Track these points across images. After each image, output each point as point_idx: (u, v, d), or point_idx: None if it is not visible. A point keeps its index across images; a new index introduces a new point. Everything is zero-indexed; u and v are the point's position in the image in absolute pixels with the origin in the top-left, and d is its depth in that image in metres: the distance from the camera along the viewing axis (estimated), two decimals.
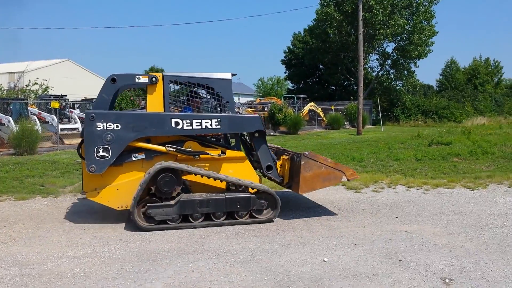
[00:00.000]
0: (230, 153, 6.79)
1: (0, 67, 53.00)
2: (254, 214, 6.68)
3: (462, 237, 6.00)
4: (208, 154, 6.68)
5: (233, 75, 7.01)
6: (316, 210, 7.52)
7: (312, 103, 34.89)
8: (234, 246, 5.60)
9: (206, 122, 6.50)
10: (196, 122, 6.46)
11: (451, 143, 15.77)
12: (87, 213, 7.35)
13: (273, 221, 6.76)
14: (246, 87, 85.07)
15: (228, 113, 6.79)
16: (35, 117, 20.10)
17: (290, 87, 58.40)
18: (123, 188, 6.41)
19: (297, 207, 7.68)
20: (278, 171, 7.25)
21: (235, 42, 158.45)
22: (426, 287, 4.37)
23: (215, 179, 6.55)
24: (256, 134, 6.95)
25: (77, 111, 24.81)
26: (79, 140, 18.80)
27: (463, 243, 5.71)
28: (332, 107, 36.84)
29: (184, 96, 6.92)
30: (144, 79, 6.57)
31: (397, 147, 16.14)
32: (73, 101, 26.95)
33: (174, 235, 6.08)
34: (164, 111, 6.54)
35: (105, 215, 7.13)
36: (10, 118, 18.58)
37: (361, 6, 28.02)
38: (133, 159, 6.46)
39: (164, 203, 6.30)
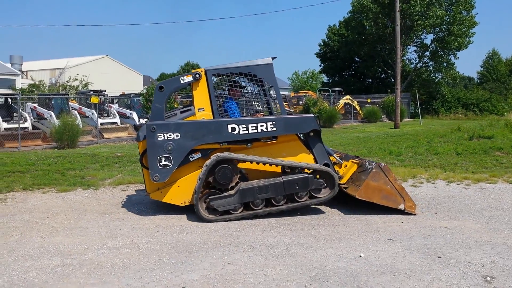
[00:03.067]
0: (281, 136, 6.86)
1: (41, 63, 54.85)
2: (313, 193, 6.72)
3: (505, 233, 5.79)
4: (259, 141, 6.79)
5: (273, 58, 7.03)
6: (352, 204, 7.41)
7: (347, 96, 34.46)
8: (269, 240, 5.61)
9: (261, 126, 6.62)
10: (252, 126, 6.59)
11: (493, 137, 15.22)
12: (126, 205, 7.52)
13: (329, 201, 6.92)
14: (280, 81, 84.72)
15: (275, 102, 7.02)
16: (76, 112, 20.74)
17: (325, 81, 57.83)
18: (183, 185, 6.68)
19: (333, 202, 7.60)
20: (341, 171, 7.32)
21: (269, 36, 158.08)
22: (466, 285, 4.25)
23: (270, 165, 6.69)
24: (311, 134, 6.96)
25: (115, 106, 25.41)
26: (118, 134, 19.32)
27: (505, 240, 5.51)
28: (369, 100, 36.24)
29: (228, 87, 7.04)
30: (189, 78, 6.80)
31: (436, 141, 15.73)
32: (112, 96, 27.58)
33: (210, 227, 6.15)
34: (211, 105, 6.76)
35: (143, 207, 7.28)
36: (52, 113, 19.25)
37: None
38: (191, 160, 6.70)
39: (225, 194, 6.46)
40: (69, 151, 14.59)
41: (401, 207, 6.76)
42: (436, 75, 43.97)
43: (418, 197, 7.92)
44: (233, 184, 6.55)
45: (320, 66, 54.50)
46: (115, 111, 23.43)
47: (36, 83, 39.22)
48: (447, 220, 6.50)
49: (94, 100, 20.25)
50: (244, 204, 6.56)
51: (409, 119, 36.74)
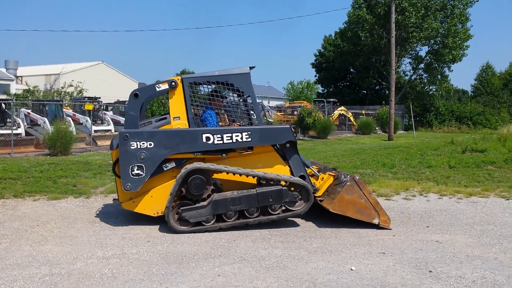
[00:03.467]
0: (256, 147, 6.81)
1: (37, 69, 54.73)
2: (287, 206, 6.63)
3: (496, 248, 5.80)
4: (234, 151, 6.75)
5: (251, 68, 6.97)
6: (344, 217, 7.40)
7: (342, 107, 34.63)
8: (260, 252, 5.58)
9: (236, 136, 6.55)
10: (227, 136, 6.52)
11: (486, 151, 15.32)
12: (117, 214, 7.47)
13: (300, 215, 6.79)
14: (275, 91, 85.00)
15: (252, 110, 6.92)
16: (70, 119, 20.67)
17: (320, 91, 58.08)
18: (157, 195, 6.56)
19: (325, 214, 7.58)
20: (317, 183, 7.26)
21: (265, 46, 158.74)
22: None
23: (240, 175, 6.60)
24: (288, 145, 6.91)
25: (110, 113, 25.35)
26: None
27: (496, 255, 5.51)
28: (363, 112, 36.40)
29: (205, 96, 6.98)
30: (164, 86, 6.70)
31: (429, 154, 15.79)
32: (106, 103, 27.55)
33: (201, 238, 6.11)
34: (187, 114, 6.65)
35: (134, 217, 7.23)
36: (46, 119, 19.16)
37: (393, 8, 27.62)
38: (165, 169, 6.58)
39: (197, 205, 6.35)
40: (61, 158, 14.51)
41: (375, 221, 6.71)
42: (430, 87, 44.31)
43: (410, 210, 7.92)
44: (206, 195, 6.42)
45: (316, 76, 54.77)
46: (109, 119, 23.38)
47: (31, 88, 39.08)
48: (438, 234, 6.50)
49: (89, 107, 20.19)
50: (217, 215, 6.43)
51: (403, 131, 36.93)
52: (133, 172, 6.37)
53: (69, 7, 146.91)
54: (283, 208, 6.64)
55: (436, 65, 41.87)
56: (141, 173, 6.39)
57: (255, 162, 6.84)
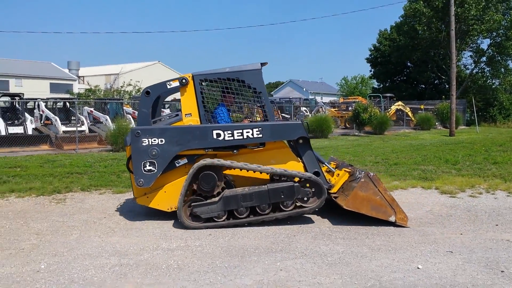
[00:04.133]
0: (269, 143, 6.73)
1: (97, 69, 57.12)
2: (300, 203, 6.51)
3: None
4: (246, 147, 6.71)
5: (262, 64, 6.89)
6: (407, 214, 7.19)
7: (399, 102, 33.63)
8: (322, 248, 5.52)
9: (247, 132, 6.50)
10: (238, 133, 6.48)
11: None
12: None
13: (316, 210, 6.65)
14: (328, 87, 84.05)
15: (264, 107, 6.78)
16: (130, 116, 21.44)
17: (375, 86, 56.76)
18: (170, 191, 6.63)
19: None
20: (333, 180, 7.10)
21: (317, 41, 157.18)
22: None
23: (247, 171, 6.51)
24: (301, 141, 6.82)
25: (167, 110, 26.04)
26: None
27: None
28: (422, 107, 35.20)
29: (217, 93, 6.96)
30: (175, 83, 6.71)
31: (495, 150, 15.03)
32: (165, 101, 28.28)
33: (261, 232, 6.13)
34: (198, 111, 6.65)
35: None
36: (108, 117, 19.99)
37: (452, 0, 26.41)
38: (177, 165, 6.66)
39: (208, 201, 6.36)
40: (123, 154, 15.05)
41: (392, 219, 6.46)
42: (493, 81, 42.15)
43: (477, 208, 7.57)
44: (217, 191, 6.41)
45: (371, 71, 53.59)
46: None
47: (92, 88, 40.90)
48: (509, 232, 6.16)
49: None
50: (228, 211, 6.39)
51: (464, 127, 35.35)
52: (145, 168, 6.48)
53: (128, 10, 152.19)
54: (296, 204, 6.52)
55: (499, 58, 39.77)
56: (153, 169, 6.49)
57: (268, 158, 6.78)
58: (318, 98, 53.49)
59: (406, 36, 43.16)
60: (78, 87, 46.57)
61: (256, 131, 6.50)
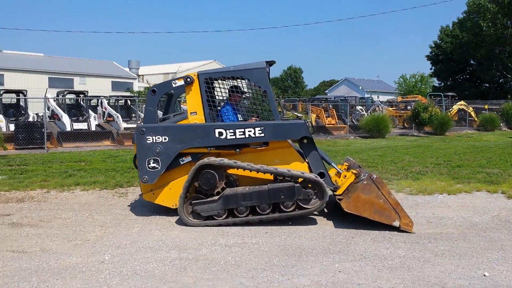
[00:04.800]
0: (272, 142, 6.63)
1: (156, 68, 58.84)
2: (301, 204, 6.34)
3: None
4: (249, 146, 6.66)
5: (268, 63, 6.75)
6: (471, 219, 6.88)
7: (461, 102, 32.22)
8: (382, 251, 5.37)
9: (249, 131, 6.47)
10: (240, 131, 6.47)
11: None
12: None
13: (325, 211, 6.58)
14: (386, 85, 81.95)
15: (268, 105, 6.68)
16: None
17: (436, 85, 54.75)
18: (175, 188, 6.68)
19: (448, 213, 7.10)
20: (339, 181, 6.89)
21: (374, 38, 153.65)
22: None
23: (251, 170, 6.41)
24: (305, 141, 6.67)
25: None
26: None
27: None
28: (486, 107, 33.52)
29: (222, 92, 6.93)
30: (180, 82, 6.74)
31: None
32: (218, 100, 28.67)
33: (318, 233, 6.06)
34: (203, 109, 6.64)
35: None
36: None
37: None
38: (181, 163, 6.72)
39: (208, 199, 6.36)
40: None
41: (396, 223, 6.12)
42: None
43: None
44: (218, 189, 6.38)
45: (431, 69, 51.85)
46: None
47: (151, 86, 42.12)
48: None
49: None
50: (229, 210, 6.36)
51: None
52: (149, 165, 6.59)
53: (186, 9, 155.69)
54: (297, 205, 6.35)
55: None
56: (157, 166, 6.59)
57: (271, 158, 6.70)
58: (375, 97, 52.29)
59: (469, 32, 41.34)
60: (138, 86, 48.20)
61: (259, 130, 6.47)
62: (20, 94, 20.66)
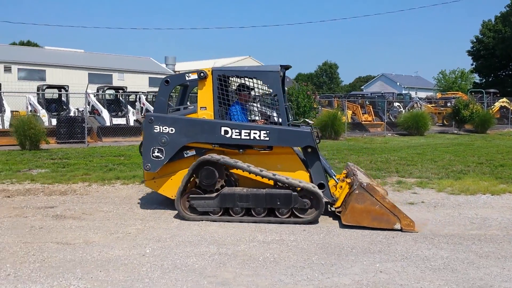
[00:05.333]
0: (277, 147, 6.59)
1: (191, 64, 59.41)
2: (296, 213, 6.27)
3: None
4: (253, 148, 6.65)
5: (284, 67, 6.69)
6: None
7: (504, 99, 31.14)
8: (424, 251, 5.24)
9: (254, 133, 6.45)
10: (245, 132, 6.47)
11: None
12: None
13: (317, 222, 6.31)
14: (424, 81, 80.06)
15: (277, 108, 6.65)
16: None
17: (477, 81, 53.03)
18: (176, 179, 6.73)
19: (492, 214, 6.87)
20: (337, 193, 6.73)
21: (413, 33, 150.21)
22: None
23: (250, 173, 6.43)
24: (309, 150, 6.56)
25: (257, 104, 26.38)
26: None
27: None
28: None
29: (233, 90, 6.91)
30: (194, 76, 6.77)
31: None
32: (254, 96, 28.72)
33: (358, 232, 5.97)
34: (213, 106, 6.65)
35: None
36: None
37: None
38: (185, 156, 6.78)
39: (205, 195, 6.40)
40: None
41: (397, 226, 5.93)
42: None
43: None
44: (217, 187, 6.40)
45: (472, 65, 50.37)
46: (255, 109, 24.36)
47: None
48: None
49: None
50: (224, 209, 6.38)
51: None
52: (153, 154, 6.69)
53: (222, 6, 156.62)
54: (292, 213, 6.30)
55: None
56: (160, 156, 6.68)
57: (274, 163, 6.64)
58: (413, 93, 51.16)
59: None
60: None
61: (264, 133, 6.45)
62: (62, 90, 21.28)
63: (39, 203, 7.47)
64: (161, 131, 6.72)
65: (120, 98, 21.86)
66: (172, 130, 6.69)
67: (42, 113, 18.96)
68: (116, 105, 21.66)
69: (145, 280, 4.31)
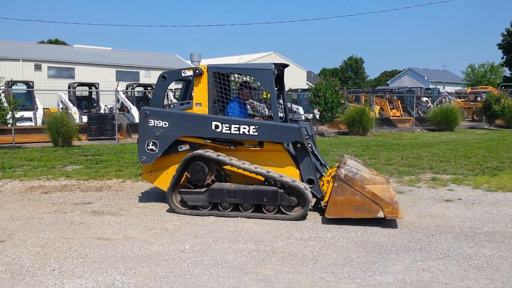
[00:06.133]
0: (267, 144, 6.61)
1: (217, 61, 59.57)
2: (283, 210, 6.30)
3: None
4: (244, 145, 6.69)
5: (279, 65, 6.63)
6: None
7: None
8: (465, 250, 5.14)
9: (244, 128, 6.52)
10: (235, 127, 6.55)
11: None
12: None
13: (304, 219, 6.30)
14: (452, 75, 78.44)
15: (269, 106, 6.77)
16: (248, 106, 22.04)
17: (507, 75, 51.65)
18: (171, 173, 6.86)
19: None
20: (324, 188, 6.70)
21: (441, 26, 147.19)
22: None
23: (231, 166, 6.57)
24: (298, 145, 6.53)
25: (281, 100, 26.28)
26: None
27: None
28: None
29: (228, 87, 6.93)
30: (189, 72, 6.90)
31: None
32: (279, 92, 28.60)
33: (396, 230, 5.89)
34: (208, 103, 6.76)
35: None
36: None
37: None
38: (180, 150, 6.91)
39: (195, 190, 6.50)
40: None
41: (380, 215, 5.79)
42: None
43: None
44: (208, 182, 6.48)
45: (502, 58, 48.94)
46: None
47: None
48: None
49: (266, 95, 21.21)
50: (213, 203, 6.47)
51: None
52: (148, 147, 6.89)
53: (248, 2, 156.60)
54: (279, 209, 6.31)
55: None
56: (155, 149, 6.87)
57: (264, 160, 6.69)
58: (440, 88, 50.20)
59: None
60: None
61: (253, 128, 6.49)
62: (93, 87, 21.63)
63: (76, 199, 7.62)
64: (155, 125, 6.88)
65: (149, 95, 22.08)
66: (165, 124, 6.85)
67: (74, 110, 19.31)
68: (144, 102, 21.88)
69: (187, 275, 4.35)
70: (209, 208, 6.55)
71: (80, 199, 7.58)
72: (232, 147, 6.76)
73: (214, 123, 6.65)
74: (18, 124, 16.23)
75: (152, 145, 6.92)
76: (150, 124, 6.91)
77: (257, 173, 6.45)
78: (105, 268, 4.55)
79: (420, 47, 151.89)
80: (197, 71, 6.83)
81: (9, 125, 15.40)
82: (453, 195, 7.91)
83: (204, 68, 6.87)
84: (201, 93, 6.88)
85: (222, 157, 6.50)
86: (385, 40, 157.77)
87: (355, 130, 20.01)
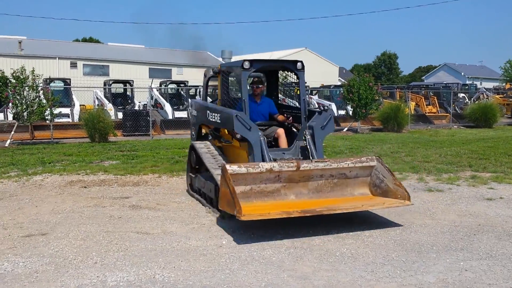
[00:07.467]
0: (235, 141, 6.84)
1: (248, 57, 59.60)
2: None
3: None
4: (230, 142, 7.05)
5: (249, 61, 6.59)
6: None
7: None
8: (509, 250, 4.97)
9: (215, 115, 6.99)
10: (213, 115, 7.10)
11: None
12: None
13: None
14: (490, 71, 76.09)
15: (239, 99, 7.06)
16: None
17: None
18: None
19: None
20: None
21: (478, 20, 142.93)
22: None
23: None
24: (238, 136, 6.55)
25: (315, 97, 26.14)
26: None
27: None
28: None
29: (228, 83, 7.46)
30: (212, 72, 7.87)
31: None
32: (311, 88, 28.43)
33: (436, 228, 5.76)
34: (221, 97, 7.41)
35: None
36: None
37: None
38: (209, 138, 7.85)
39: (195, 175, 7.40)
40: None
41: (235, 212, 5.12)
42: None
43: None
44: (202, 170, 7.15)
45: None
46: (315, 102, 24.14)
47: None
48: None
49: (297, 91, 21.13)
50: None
51: None
52: (192, 133, 8.32)
53: None
54: None
55: None
56: (193, 133, 8.20)
57: (233, 154, 7.11)
58: (478, 83, 48.79)
59: None
60: None
61: (218, 116, 6.90)
62: (127, 84, 22.04)
63: (115, 193, 7.78)
64: (193, 113, 8.14)
65: (181, 92, 22.33)
66: (195, 113, 8.05)
67: (109, 107, 19.74)
68: (177, 99, 22.17)
69: (225, 271, 4.38)
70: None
71: (118, 194, 7.73)
72: (222, 140, 7.27)
73: (207, 111, 7.34)
74: (56, 120, 16.71)
75: (192, 131, 8.37)
76: (192, 113, 8.32)
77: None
78: (145, 261, 4.62)
79: (456, 42, 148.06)
80: (214, 69, 7.72)
81: (47, 121, 15.87)
82: (494, 193, 7.67)
83: (219, 67, 7.55)
84: (219, 90, 7.60)
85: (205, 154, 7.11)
86: (419, 35, 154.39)
87: (390, 126, 19.67)
